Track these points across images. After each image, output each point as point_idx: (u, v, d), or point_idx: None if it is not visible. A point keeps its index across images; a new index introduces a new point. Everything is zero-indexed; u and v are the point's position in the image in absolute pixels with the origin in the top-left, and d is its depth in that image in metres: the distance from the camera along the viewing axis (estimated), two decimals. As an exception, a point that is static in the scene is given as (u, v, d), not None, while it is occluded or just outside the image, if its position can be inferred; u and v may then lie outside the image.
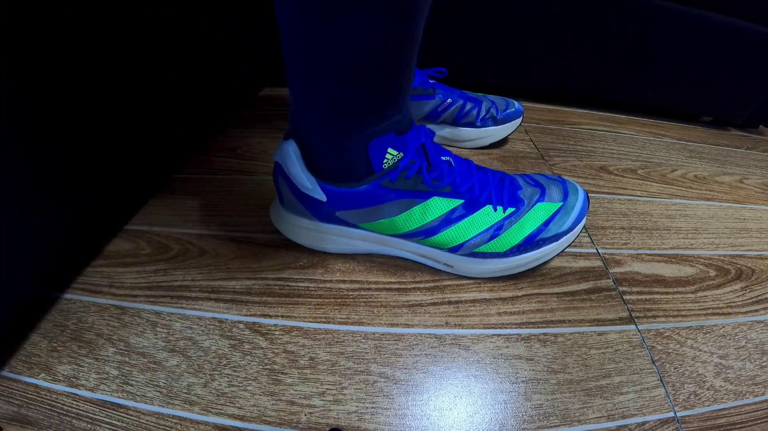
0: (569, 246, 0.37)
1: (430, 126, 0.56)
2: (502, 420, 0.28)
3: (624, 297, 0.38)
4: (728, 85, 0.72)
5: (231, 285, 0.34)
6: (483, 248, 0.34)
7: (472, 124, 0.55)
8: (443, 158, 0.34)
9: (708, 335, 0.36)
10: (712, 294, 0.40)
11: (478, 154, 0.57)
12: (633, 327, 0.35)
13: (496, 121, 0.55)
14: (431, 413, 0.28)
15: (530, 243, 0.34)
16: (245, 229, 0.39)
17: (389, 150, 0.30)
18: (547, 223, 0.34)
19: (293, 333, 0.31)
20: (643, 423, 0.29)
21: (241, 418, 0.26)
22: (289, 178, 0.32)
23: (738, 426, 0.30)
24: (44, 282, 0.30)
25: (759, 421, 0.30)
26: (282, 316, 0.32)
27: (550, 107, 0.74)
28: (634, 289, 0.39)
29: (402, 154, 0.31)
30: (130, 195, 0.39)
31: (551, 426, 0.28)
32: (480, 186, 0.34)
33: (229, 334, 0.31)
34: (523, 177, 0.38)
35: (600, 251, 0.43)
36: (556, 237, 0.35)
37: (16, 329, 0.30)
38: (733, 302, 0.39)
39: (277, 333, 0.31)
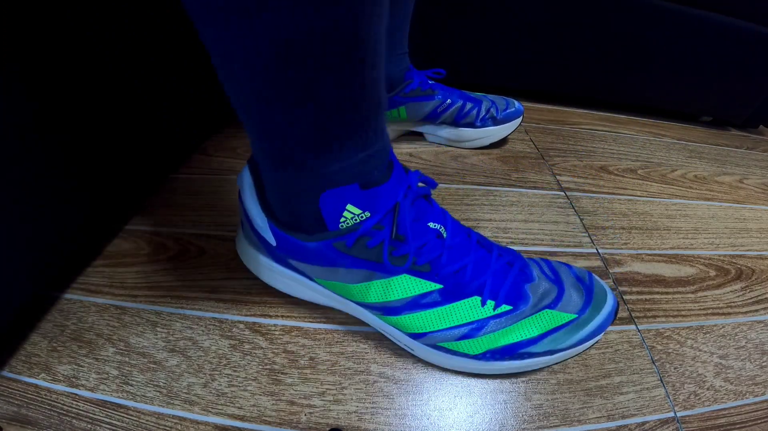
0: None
1: (428, 128, 0.56)
2: (502, 420, 0.28)
3: (624, 297, 0.38)
4: (728, 85, 0.72)
5: (231, 285, 0.34)
6: (449, 345, 0.27)
7: (471, 125, 0.55)
8: (431, 225, 0.26)
9: (708, 335, 0.36)
10: (712, 294, 0.40)
11: (478, 154, 0.57)
12: (633, 327, 0.35)
13: (496, 121, 0.55)
14: (431, 413, 0.28)
15: (511, 353, 0.27)
16: (245, 229, 0.39)
17: (349, 207, 0.23)
18: (543, 336, 0.27)
19: (293, 333, 0.31)
20: (643, 423, 0.29)
21: (241, 418, 0.26)
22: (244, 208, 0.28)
23: (738, 426, 0.30)
24: (44, 282, 0.30)
25: (759, 421, 0.30)
26: (282, 316, 0.32)
27: (550, 107, 0.74)
28: (634, 289, 0.39)
29: (367, 214, 0.24)
30: (130, 195, 0.39)
31: (551, 426, 0.28)
32: (475, 269, 0.27)
33: (229, 334, 0.31)
34: (544, 265, 0.30)
35: (600, 251, 0.43)
36: (550, 352, 0.27)
37: (16, 329, 0.30)
38: (733, 302, 0.39)
39: (277, 333, 0.31)
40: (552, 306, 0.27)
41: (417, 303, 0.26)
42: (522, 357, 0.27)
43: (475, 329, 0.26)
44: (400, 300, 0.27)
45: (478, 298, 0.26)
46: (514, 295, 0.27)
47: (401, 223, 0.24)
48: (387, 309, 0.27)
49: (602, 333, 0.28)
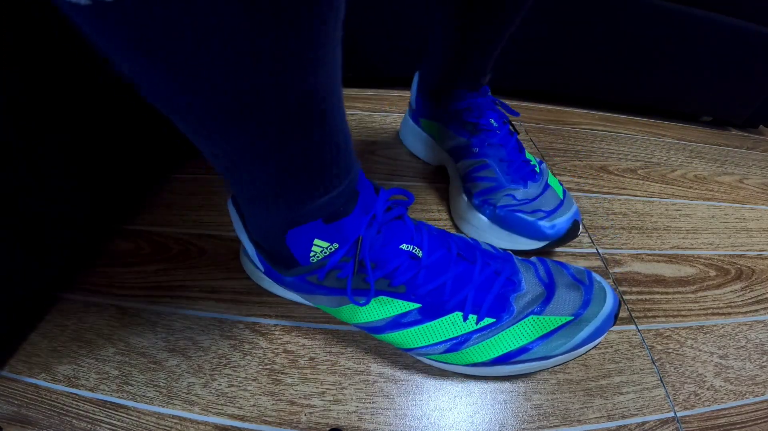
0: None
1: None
2: (502, 420, 0.28)
3: (624, 297, 0.38)
4: (728, 85, 0.72)
5: (231, 285, 0.34)
6: (439, 358, 0.27)
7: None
8: (404, 247, 0.25)
9: (708, 335, 0.36)
10: (712, 294, 0.40)
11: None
12: (633, 327, 0.35)
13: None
14: (431, 413, 0.28)
15: (504, 361, 0.26)
16: (245, 229, 0.39)
17: (316, 241, 0.24)
18: (535, 342, 0.26)
19: (293, 333, 0.31)
20: (643, 423, 0.29)
21: (241, 418, 0.26)
22: None
23: (738, 426, 0.30)
24: (44, 282, 0.30)
25: (759, 421, 0.30)
26: (282, 316, 0.32)
27: (550, 107, 0.74)
28: (634, 289, 0.39)
29: (335, 246, 0.24)
30: (130, 195, 0.39)
31: (551, 426, 0.28)
32: (455, 285, 0.26)
33: (229, 334, 0.31)
34: (540, 266, 0.29)
35: (600, 251, 0.43)
36: (545, 357, 0.26)
37: (16, 329, 0.30)
38: (733, 302, 0.39)
39: (277, 333, 0.31)
40: (538, 311, 0.26)
41: (397, 323, 0.27)
42: (515, 363, 0.27)
43: (458, 343, 0.26)
44: (380, 320, 0.27)
45: (460, 314, 0.26)
46: (497, 307, 0.26)
47: (365, 254, 0.24)
48: (370, 329, 0.28)
49: (603, 335, 0.27)
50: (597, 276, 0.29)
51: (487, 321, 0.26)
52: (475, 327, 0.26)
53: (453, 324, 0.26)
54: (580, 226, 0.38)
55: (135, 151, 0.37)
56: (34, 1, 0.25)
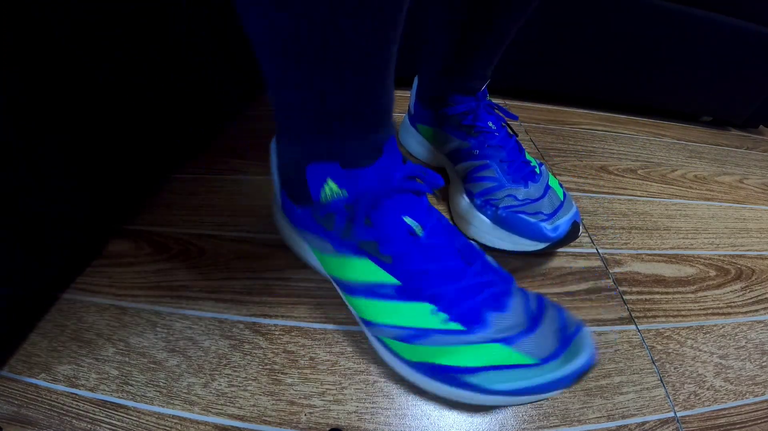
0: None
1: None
2: (502, 420, 0.28)
3: (624, 297, 0.38)
4: (728, 85, 0.72)
5: (231, 285, 0.34)
6: (390, 343, 0.27)
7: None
8: (407, 220, 0.25)
9: (708, 335, 0.36)
10: (712, 294, 0.40)
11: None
12: (633, 327, 0.35)
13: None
14: (431, 413, 0.28)
15: (444, 373, 0.25)
16: (245, 229, 0.39)
17: (329, 181, 0.25)
18: (485, 370, 0.24)
19: (293, 333, 0.31)
20: (643, 423, 0.29)
21: (241, 418, 0.26)
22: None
23: (738, 426, 0.30)
24: (44, 282, 0.30)
25: (759, 421, 0.30)
26: (282, 316, 0.32)
27: (550, 107, 0.74)
28: (634, 289, 0.39)
29: (344, 193, 0.25)
30: (130, 195, 0.39)
31: (551, 426, 0.28)
32: (439, 277, 0.25)
33: (229, 334, 0.31)
34: (534, 301, 0.27)
35: (600, 251, 0.43)
36: (487, 392, 0.24)
37: (16, 329, 0.30)
38: (733, 302, 0.39)
39: (277, 333, 0.31)
40: (507, 341, 0.24)
41: (371, 291, 0.26)
42: (454, 382, 0.25)
43: (414, 336, 0.25)
44: (357, 282, 0.27)
45: (432, 306, 0.25)
46: (471, 317, 0.24)
47: (363, 208, 0.25)
48: (345, 286, 0.28)
49: (551, 392, 0.23)
50: (586, 332, 0.25)
51: (455, 326, 0.24)
52: (439, 326, 0.25)
53: (420, 314, 0.25)
54: (580, 227, 0.38)
55: (135, 151, 0.37)
56: (34, 1, 0.25)
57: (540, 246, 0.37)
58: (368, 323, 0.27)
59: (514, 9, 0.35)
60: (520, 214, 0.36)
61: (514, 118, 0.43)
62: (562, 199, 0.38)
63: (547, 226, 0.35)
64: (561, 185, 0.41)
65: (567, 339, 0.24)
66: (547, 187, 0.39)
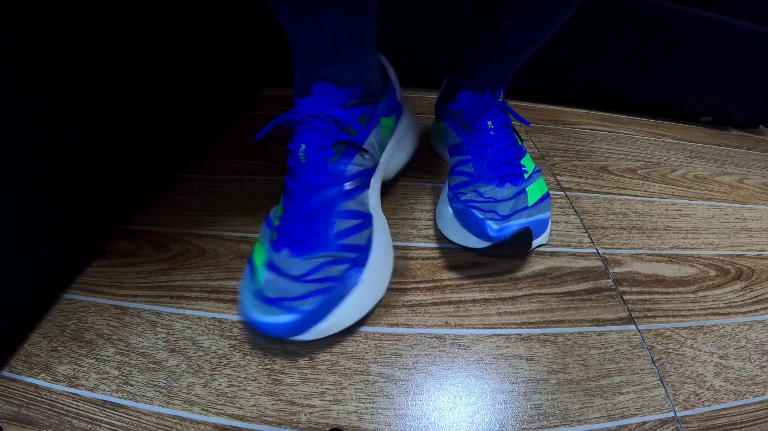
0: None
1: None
2: (502, 420, 0.28)
3: (624, 297, 0.38)
4: (728, 85, 0.72)
5: (231, 285, 0.34)
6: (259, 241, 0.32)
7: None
8: (489, 124, 0.34)
9: (708, 335, 0.36)
10: (712, 294, 0.40)
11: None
12: (633, 327, 0.35)
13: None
14: (431, 413, 0.28)
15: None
16: (245, 229, 0.39)
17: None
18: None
19: (293, 333, 0.31)
20: (643, 423, 0.29)
21: (241, 418, 0.26)
22: None
23: (738, 426, 0.30)
24: (44, 282, 0.30)
25: (759, 421, 0.30)
26: (282, 316, 0.32)
27: (550, 107, 0.74)
28: (634, 289, 0.39)
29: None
30: (130, 195, 0.39)
31: (551, 426, 0.28)
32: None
33: (229, 334, 0.31)
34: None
35: (600, 251, 0.43)
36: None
37: (16, 329, 0.30)
38: (733, 302, 0.39)
39: (277, 333, 0.31)
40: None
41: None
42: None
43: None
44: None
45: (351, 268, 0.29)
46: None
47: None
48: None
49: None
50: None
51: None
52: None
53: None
54: (534, 238, 0.35)
55: (135, 151, 0.37)
56: (34, 1, 0.25)
57: (483, 244, 0.35)
58: (268, 218, 0.33)
59: (515, 9, 0.35)
60: (473, 209, 0.35)
61: (526, 123, 0.42)
62: (530, 204, 0.36)
63: (492, 225, 0.33)
64: (547, 194, 0.38)
65: (355, 262, 0.30)
66: (521, 191, 0.37)
